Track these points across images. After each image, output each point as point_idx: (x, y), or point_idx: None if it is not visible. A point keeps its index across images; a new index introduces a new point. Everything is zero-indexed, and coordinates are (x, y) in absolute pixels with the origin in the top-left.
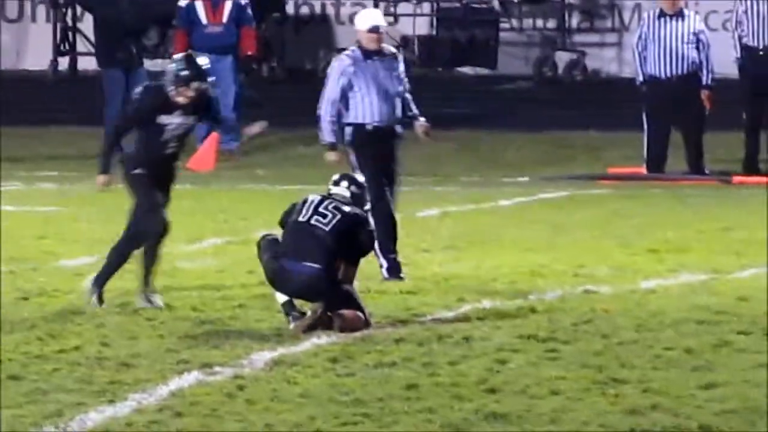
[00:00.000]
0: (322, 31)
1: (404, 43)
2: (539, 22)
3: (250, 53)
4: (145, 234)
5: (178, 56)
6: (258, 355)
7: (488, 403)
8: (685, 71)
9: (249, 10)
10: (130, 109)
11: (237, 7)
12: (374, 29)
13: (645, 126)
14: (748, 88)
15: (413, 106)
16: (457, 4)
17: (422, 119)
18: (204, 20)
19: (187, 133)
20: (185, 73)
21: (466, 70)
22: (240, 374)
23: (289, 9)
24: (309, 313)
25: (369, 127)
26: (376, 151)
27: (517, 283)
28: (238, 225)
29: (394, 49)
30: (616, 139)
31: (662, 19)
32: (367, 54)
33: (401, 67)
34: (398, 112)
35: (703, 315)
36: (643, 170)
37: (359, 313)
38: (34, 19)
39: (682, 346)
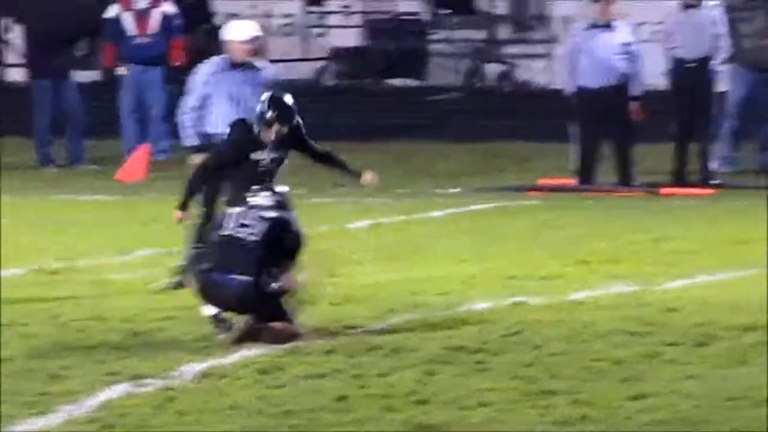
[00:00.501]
0: None
1: (335, 54)
2: (469, 34)
3: (178, 64)
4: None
5: (265, 96)
6: (188, 366)
7: (417, 415)
8: (614, 82)
9: (177, 21)
10: (223, 147)
11: (165, 19)
12: (250, 40)
13: (575, 137)
14: (677, 99)
15: None
16: (387, 16)
17: None
18: (132, 32)
19: (280, 165)
20: (269, 114)
21: (396, 81)
22: (170, 386)
23: (218, 20)
24: (238, 324)
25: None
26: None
27: (447, 294)
28: (168, 236)
29: (265, 63)
30: (546, 150)
31: (592, 31)
32: (234, 65)
33: (267, 81)
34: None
35: (633, 326)
36: (573, 181)
37: (289, 325)
38: None
39: (611, 358)
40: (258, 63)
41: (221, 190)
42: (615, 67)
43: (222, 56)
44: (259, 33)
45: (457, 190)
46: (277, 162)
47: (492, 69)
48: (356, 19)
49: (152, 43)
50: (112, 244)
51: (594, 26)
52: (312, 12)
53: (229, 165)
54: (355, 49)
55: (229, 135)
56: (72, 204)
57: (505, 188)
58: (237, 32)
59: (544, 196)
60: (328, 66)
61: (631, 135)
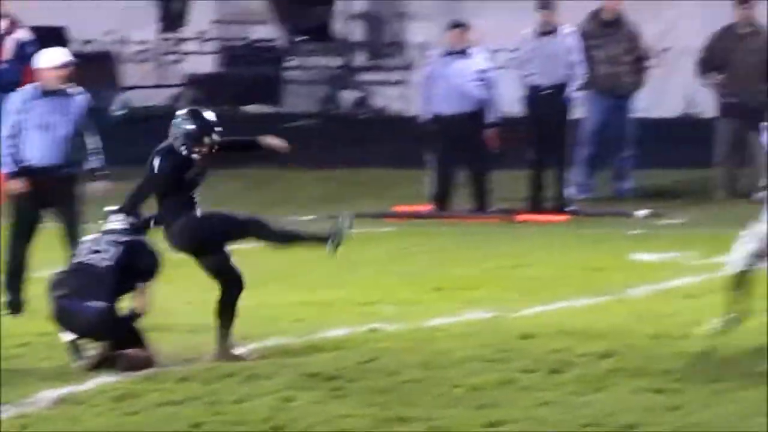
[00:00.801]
0: (104, 70)
1: (191, 81)
2: (325, 60)
3: None
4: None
5: (181, 111)
6: (43, 393)
7: None
8: (470, 109)
9: (32, 48)
10: (155, 180)
11: (19, 45)
12: (61, 66)
13: (431, 164)
14: (533, 126)
15: (93, 157)
16: (242, 43)
17: (101, 174)
18: None
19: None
20: (195, 128)
21: (252, 108)
22: (24, 413)
23: (75, 47)
24: (95, 351)
25: (34, 166)
26: (38, 191)
27: (303, 321)
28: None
29: (78, 90)
30: (402, 177)
31: (448, 58)
32: (45, 92)
33: (80, 108)
34: (69, 154)
35: (489, 353)
36: (429, 208)
37: (144, 352)
38: None
39: (467, 384)
40: (71, 90)
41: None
42: (470, 93)
43: (34, 84)
44: (70, 58)
45: (314, 217)
46: (204, 175)
47: (348, 96)
48: (212, 46)
49: (6, 69)
50: None
51: (449, 53)
52: (167, 38)
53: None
54: (211, 75)
55: (161, 163)
56: None
57: (361, 215)
58: (48, 59)
59: (401, 222)
60: (184, 93)
61: (487, 161)
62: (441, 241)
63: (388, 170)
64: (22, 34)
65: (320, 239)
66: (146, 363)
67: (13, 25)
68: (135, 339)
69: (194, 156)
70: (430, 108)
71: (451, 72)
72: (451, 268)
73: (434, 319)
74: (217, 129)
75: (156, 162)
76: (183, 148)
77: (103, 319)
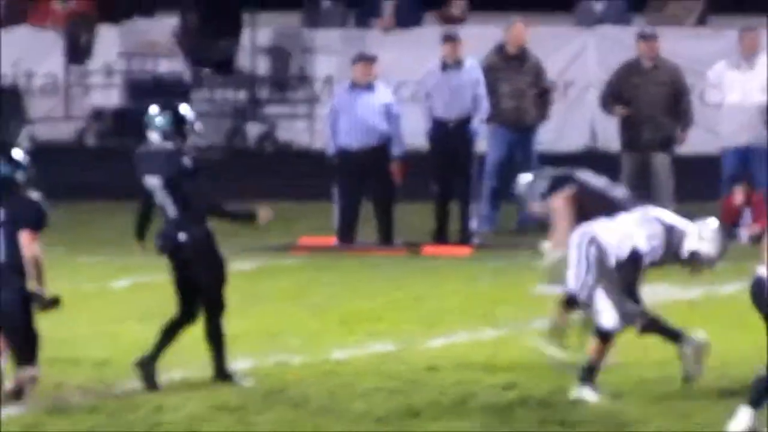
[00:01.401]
0: (10, 102)
1: (97, 115)
2: (230, 94)
3: None
4: None
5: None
6: None
7: None
8: (375, 143)
9: None
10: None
11: None
12: None
13: (336, 197)
14: (437, 159)
15: None
16: (148, 76)
17: None
18: None
19: None
20: (187, 124)
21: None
22: None
23: None
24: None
25: None
26: None
27: (208, 354)
28: None
29: None
30: (308, 210)
31: (353, 92)
32: None
33: None
34: None
35: (393, 385)
36: (335, 241)
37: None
38: None
39: (372, 415)
40: None
41: None
42: (375, 127)
43: None
44: None
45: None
46: None
47: (252, 129)
48: (118, 79)
49: None
50: None
51: (355, 86)
52: (73, 71)
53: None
54: (117, 109)
55: (195, 168)
56: None
57: (267, 248)
58: None
59: (308, 255)
60: (90, 126)
61: (392, 194)
62: (348, 273)
63: (294, 203)
64: None
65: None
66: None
67: None
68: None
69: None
70: (335, 141)
71: (356, 105)
72: (356, 300)
73: (339, 350)
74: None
75: (184, 160)
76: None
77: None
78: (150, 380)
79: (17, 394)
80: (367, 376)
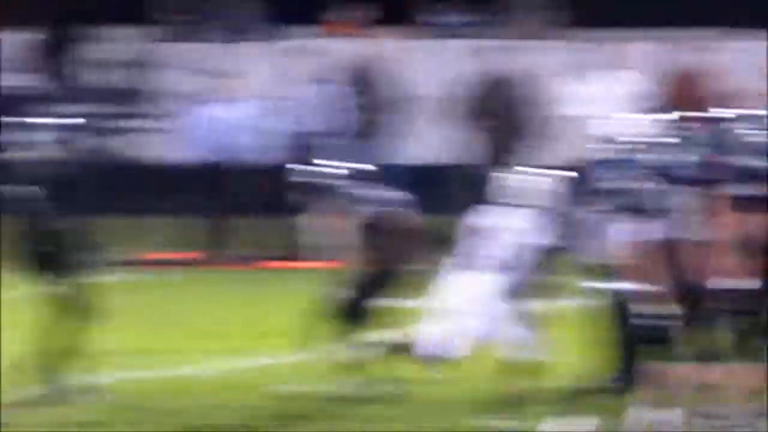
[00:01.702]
0: None
1: None
2: (81, 108)
3: None
4: None
5: None
6: None
7: None
8: (234, 156)
9: None
10: None
11: None
12: None
13: (189, 211)
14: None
15: None
16: None
17: None
18: None
19: None
20: None
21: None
22: None
23: None
24: None
25: None
26: None
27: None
28: None
29: None
30: (159, 224)
31: (211, 105)
32: None
33: None
34: None
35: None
36: (187, 255)
37: None
38: None
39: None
40: None
41: None
42: (235, 141)
43: None
44: None
45: None
46: None
47: (103, 143)
48: None
49: None
50: None
51: (213, 101)
52: None
53: None
54: None
55: None
56: None
57: (116, 263)
58: None
59: (156, 270)
60: None
61: (245, 208)
62: (197, 288)
63: (144, 218)
64: None
65: None
66: None
67: None
68: None
69: None
70: (193, 155)
71: (214, 120)
72: (204, 315)
73: (185, 367)
74: None
75: None
76: None
77: None
78: None
79: None
80: (215, 392)
